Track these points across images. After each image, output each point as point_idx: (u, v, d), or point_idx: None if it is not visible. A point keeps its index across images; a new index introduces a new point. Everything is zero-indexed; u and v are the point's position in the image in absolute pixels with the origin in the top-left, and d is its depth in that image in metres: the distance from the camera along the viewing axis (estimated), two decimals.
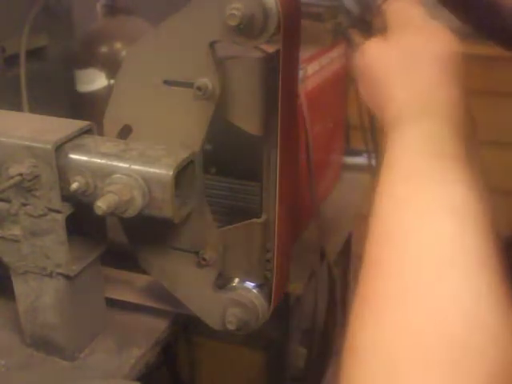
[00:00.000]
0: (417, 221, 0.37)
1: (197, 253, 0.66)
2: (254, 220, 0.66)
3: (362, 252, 0.41)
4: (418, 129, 0.43)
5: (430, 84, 0.46)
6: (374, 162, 1.05)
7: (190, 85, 0.59)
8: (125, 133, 0.64)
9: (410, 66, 0.48)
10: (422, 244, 0.35)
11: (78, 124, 0.62)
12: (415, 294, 0.33)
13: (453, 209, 0.36)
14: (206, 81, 0.58)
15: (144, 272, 0.70)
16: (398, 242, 0.37)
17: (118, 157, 0.58)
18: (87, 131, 0.62)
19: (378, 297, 0.36)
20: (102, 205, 0.54)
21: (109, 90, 0.96)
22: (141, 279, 0.76)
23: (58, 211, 0.59)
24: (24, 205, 0.60)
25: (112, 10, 1.05)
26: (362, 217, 1.16)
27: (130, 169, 0.57)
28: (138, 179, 0.56)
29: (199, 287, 0.68)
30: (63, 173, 0.58)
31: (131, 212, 0.56)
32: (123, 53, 1.00)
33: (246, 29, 0.54)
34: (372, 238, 0.39)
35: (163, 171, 0.56)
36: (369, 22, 0.62)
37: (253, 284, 0.68)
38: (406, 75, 0.47)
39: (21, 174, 0.57)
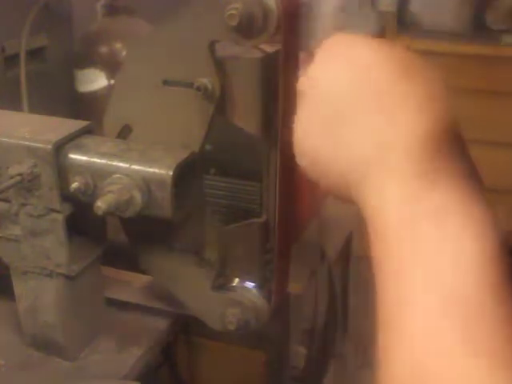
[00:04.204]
0: None
1: (197, 253, 0.66)
2: (254, 220, 0.66)
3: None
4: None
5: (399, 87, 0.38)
6: None
7: (190, 85, 0.59)
8: (125, 133, 0.64)
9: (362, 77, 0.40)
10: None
11: (78, 124, 0.62)
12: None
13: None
14: (206, 81, 0.58)
15: (144, 272, 0.70)
16: None
17: (118, 157, 0.58)
18: (87, 131, 0.62)
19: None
20: (101, 205, 0.54)
21: (109, 90, 0.96)
22: (141, 279, 0.76)
23: (57, 211, 0.59)
24: (24, 205, 0.60)
25: (112, 10, 1.05)
26: (361, 217, 1.16)
27: (130, 169, 0.57)
28: (137, 179, 0.56)
29: (199, 287, 0.68)
30: (63, 173, 0.58)
31: (131, 212, 0.56)
32: (123, 53, 1.00)
33: (246, 29, 0.54)
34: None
35: (163, 171, 0.56)
36: None
37: (253, 284, 0.68)
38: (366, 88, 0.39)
39: (21, 174, 0.57)
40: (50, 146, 0.57)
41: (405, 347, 0.32)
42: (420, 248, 0.34)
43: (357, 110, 0.39)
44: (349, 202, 0.42)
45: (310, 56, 0.47)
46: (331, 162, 0.41)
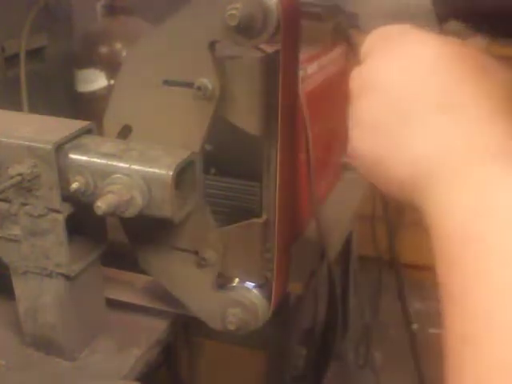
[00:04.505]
0: None
1: (197, 253, 0.66)
2: (254, 220, 0.66)
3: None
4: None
5: (473, 96, 0.35)
6: None
7: (190, 85, 0.59)
8: (125, 133, 0.64)
9: (437, 75, 0.36)
10: None
11: (78, 124, 0.62)
12: None
13: None
14: (206, 81, 0.58)
15: (144, 272, 0.70)
16: None
17: (118, 157, 0.58)
18: (87, 131, 0.62)
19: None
20: (101, 205, 0.54)
21: (109, 90, 0.96)
22: (141, 279, 0.76)
23: (57, 211, 0.59)
24: (24, 205, 0.60)
25: (112, 10, 1.05)
26: (361, 217, 1.16)
27: (130, 169, 0.57)
28: (137, 179, 0.56)
29: (199, 287, 0.68)
30: (63, 173, 0.58)
31: (131, 212, 0.56)
32: (123, 53, 1.00)
33: (246, 29, 0.54)
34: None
35: (163, 171, 0.56)
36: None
37: (253, 284, 0.68)
38: (440, 87, 0.36)
39: (21, 174, 0.57)
40: (49, 146, 0.57)
41: None
42: (486, 264, 0.30)
43: (421, 109, 0.36)
44: (411, 207, 0.38)
45: (356, 47, 0.46)
46: (392, 165, 0.38)
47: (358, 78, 0.42)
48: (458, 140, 0.34)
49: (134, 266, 0.71)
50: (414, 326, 1.14)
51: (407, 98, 0.37)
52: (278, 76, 0.58)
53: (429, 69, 0.37)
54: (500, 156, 0.32)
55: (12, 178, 0.57)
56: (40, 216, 0.60)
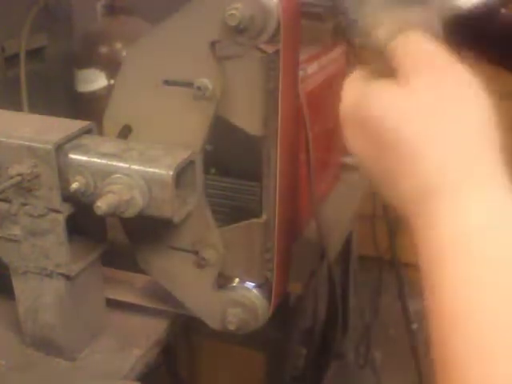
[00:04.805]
0: None
1: (197, 253, 0.66)
2: (254, 220, 0.66)
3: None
4: (479, 199, 0.35)
5: (471, 138, 0.37)
6: None
7: (190, 85, 0.59)
8: (125, 133, 0.64)
9: (440, 116, 0.37)
10: None
11: (78, 124, 0.62)
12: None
13: None
14: (206, 81, 0.58)
15: (144, 272, 0.70)
16: None
17: (118, 157, 0.58)
18: (87, 131, 0.62)
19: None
20: (101, 205, 0.54)
21: (109, 90, 0.96)
22: (141, 279, 0.76)
23: (57, 211, 0.59)
24: (24, 205, 0.60)
25: (112, 10, 1.05)
26: (361, 217, 1.16)
27: (130, 169, 0.57)
28: (137, 179, 0.56)
29: (199, 287, 0.68)
30: (63, 173, 0.58)
31: (131, 212, 0.56)
32: (123, 53, 1.00)
33: (246, 29, 0.54)
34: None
35: (163, 171, 0.56)
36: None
37: (253, 284, 0.68)
38: (438, 128, 0.37)
39: (21, 174, 0.57)
40: (50, 146, 0.57)
41: None
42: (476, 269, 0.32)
43: (418, 137, 0.37)
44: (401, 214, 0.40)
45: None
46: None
47: (386, 92, 0.40)
48: (455, 167, 0.36)
49: (134, 266, 0.71)
50: (414, 326, 1.14)
51: (407, 126, 0.38)
52: (278, 76, 0.58)
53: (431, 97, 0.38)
54: (488, 181, 0.35)
55: (12, 178, 0.57)
56: (40, 216, 0.60)
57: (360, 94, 0.41)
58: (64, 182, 0.58)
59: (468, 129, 0.37)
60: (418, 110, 0.38)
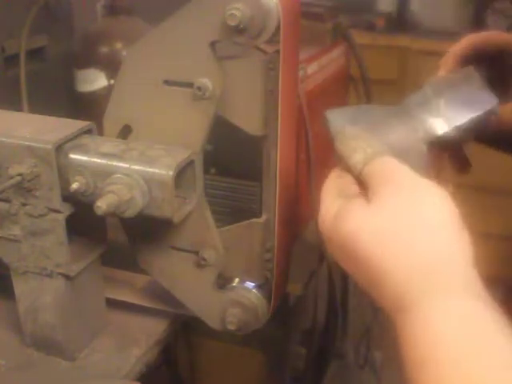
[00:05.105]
0: None
1: (197, 253, 0.66)
2: (254, 220, 0.66)
3: None
4: (443, 308, 0.37)
5: (436, 251, 0.40)
6: None
7: (189, 85, 0.59)
8: (125, 133, 0.64)
9: (406, 232, 0.41)
10: None
11: (78, 124, 0.62)
12: None
13: None
14: (206, 81, 0.58)
15: (144, 272, 0.70)
16: None
17: (118, 157, 0.58)
18: (87, 131, 0.62)
19: None
20: (101, 205, 0.54)
21: (109, 90, 0.96)
22: (141, 279, 0.76)
23: (58, 211, 0.59)
24: (24, 205, 0.60)
25: (112, 10, 1.05)
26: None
27: (130, 169, 0.57)
28: (138, 179, 0.56)
29: (199, 287, 0.68)
30: (63, 173, 0.58)
31: (131, 212, 0.56)
32: (123, 53, 1.00)
33: (246, 29, 0.54)
34: None
35: (163, 171, 0.56)
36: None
37: (253, 284, 0.68)
38: (404, 244, 0.40)
39: (21, 174, 0.57)
40: (49, 146, 0.57)
41: None
42: None
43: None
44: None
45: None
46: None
47: (357, 211, 0.43)
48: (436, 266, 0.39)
49: (134, 266, 0.71)
50: None
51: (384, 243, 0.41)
52: (278, 76, 0.58)
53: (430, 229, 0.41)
54: (451, 291, 0.38)
55: (12, 178, 0.57)
56: (40, 216, 0.60)
57: (337, 212, 0.45)
58: (64, 182, 0.58)
59: (430, 239, 0.40)
60: (384, 228, 0.41)
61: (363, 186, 0.46)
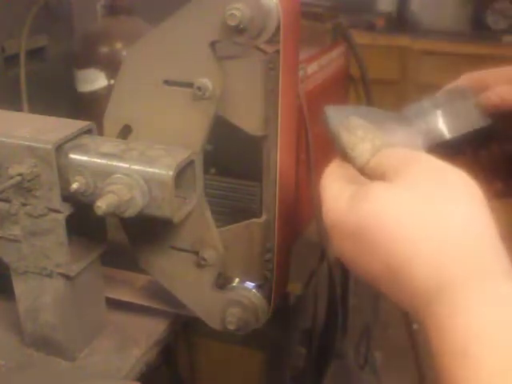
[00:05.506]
0: None
1: (197, 253, 0.66)
2: (254, 220, 0.66)
3: None
4: (484, 292, 0.34)
5: (468, 232, 0.37)
6: None
7: (189, 85, 0.59)
8: (125, 133, 0.64)
9: (438, 214, 0.37)
10: None
11: (78, 124, 0.62)
12: None
13: None
14: (206, 81, 0.58)
15: (144, 272, 0.70)
16: None
17: (118, 157, 0.58)
18: (87, 131, 0.62)
19: None
20: (101, 205, 0.54)
21: (109, 90, 0.96)
22: (141, 279, 0.76)
23: (58, 211, 0.59)
24: (24, 205, 0.60)
25: (112, 10, 1.05)
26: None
27: (130, 169, 0.57)
28: (138, 179, 0.56)
29: (199, 287, 0.68)
30: (63, 173, 0.58)
31: (131, 212, 0.56)
32: (123, 53, 1.00)
33: (246, 29, 0.54)
34: None
35: (163, 171, 0.56)
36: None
37: (253, 284, 0.68)
38: (436, 225, 0.37)
39: (21, 174, 0.57)
40: (49, 146, 0.57)
41: None
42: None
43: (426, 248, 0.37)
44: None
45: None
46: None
47: (382, 189, 0.40)
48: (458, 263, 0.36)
49: (134, 266, 0.71)
50: (414, 326, 1.14)
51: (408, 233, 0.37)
52: (278, 76, 0.58)
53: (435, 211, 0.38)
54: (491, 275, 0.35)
55: (12, 178, 0.57)
56: (40, 216, 0.60)
57: (353, 195, 0.41)
58: (64, 182, 0.58)
59: (465, 222, 0.37)
60: (413, 208, 0.38)
61: (368, 176, 0.43)
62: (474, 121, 0.53)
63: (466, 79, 0.56)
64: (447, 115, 0.53)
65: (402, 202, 0.38)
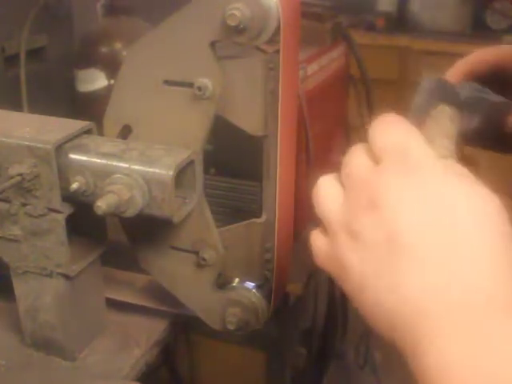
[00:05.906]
0: None
1: (197, 253, 0.66)
2: (254, 220, 0.66)
3: None
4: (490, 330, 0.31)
5: (478, 274, 0.33)
6: None
7: (189, 85, 0.59)
8: (125, 133, 0.64)
9: (447, 223, 0.34)
10: None
11: (78, 124, 0.62)
12: None
13: None
14: (206, 81, 0.58)
15: (144, 272, 0.70)
16: None
17: (118, 157, 0.58)
18: (87, 131, 0.62)
19: None
20: (101, 205, 0.54)
21: (109, 90, 0.96)
22: (141, 279, 0.76)
23: (58, 211, 0.59)
24: (24, 205, 0.60)
25: (112, 10, 1.05)
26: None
27: (130, 169, 0.57)
28: (138, 179, 0.56)
29: (199, 287, 0.68)
30: (63, 173, 0.58)
31: (131, 212, 0.56)
32: (123, 53, 1.00)
33: (246, 29, 0.54)
34: None
35: (163, 171, 0.56)
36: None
37: (253, 284, 0.68)
38: (446, 235, 0.34)
39: (21, 174, 0.57)
40: (49, 146, 0.57)
41: None
42: None
43: (426, 247, 0.34)
44: (391, 344, 0.37)
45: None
46: (381, 295, 0.36)
47: (366, 183, 0.38)
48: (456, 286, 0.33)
49: (134, 266, 0.71)
50: None
51: (415, 232, 0.35)
52: (278, 76, 0.58)
53: (444, 207, 0.35)
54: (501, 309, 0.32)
55: (12, 177, 0.57)
56: (40, 216, 0.60)
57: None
58: (64, 181, 0.58)
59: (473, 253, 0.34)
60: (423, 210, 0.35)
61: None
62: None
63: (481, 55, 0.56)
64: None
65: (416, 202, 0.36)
